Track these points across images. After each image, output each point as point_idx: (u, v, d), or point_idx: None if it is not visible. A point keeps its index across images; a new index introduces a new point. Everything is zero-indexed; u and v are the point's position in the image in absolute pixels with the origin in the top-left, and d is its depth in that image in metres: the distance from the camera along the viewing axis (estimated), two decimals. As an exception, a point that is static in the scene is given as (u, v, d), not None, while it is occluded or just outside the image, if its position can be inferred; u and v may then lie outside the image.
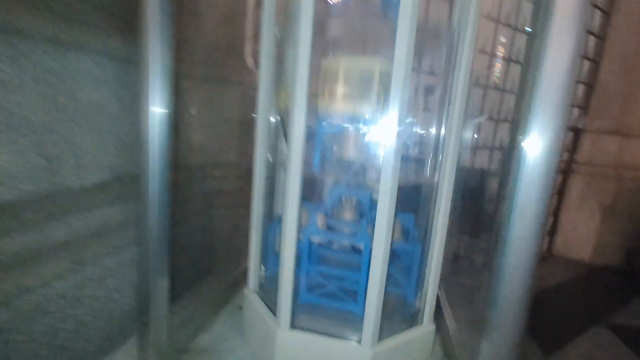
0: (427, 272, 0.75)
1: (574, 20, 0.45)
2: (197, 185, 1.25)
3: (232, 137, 1.51)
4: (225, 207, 1.40)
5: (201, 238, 1.27)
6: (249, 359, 0.88)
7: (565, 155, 2.77)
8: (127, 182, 1.01)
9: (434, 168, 0.75)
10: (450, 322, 0.93)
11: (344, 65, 0.61)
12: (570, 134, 2.74)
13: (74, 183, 0.88)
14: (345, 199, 0.76)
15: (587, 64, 2.65)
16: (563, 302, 2.21)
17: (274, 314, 0.78)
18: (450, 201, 0.72)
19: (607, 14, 2.59)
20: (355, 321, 0.73)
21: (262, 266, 0.86)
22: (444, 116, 0.69)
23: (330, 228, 0.76)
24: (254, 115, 1.14)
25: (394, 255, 0.67)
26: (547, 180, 0.51)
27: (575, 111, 2.69)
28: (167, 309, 0.77)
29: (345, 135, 0.68)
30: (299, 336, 0.76)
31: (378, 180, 0.68)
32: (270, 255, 0.86)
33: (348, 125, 0.64)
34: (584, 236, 2.75)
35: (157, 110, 0.67)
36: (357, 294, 0.75)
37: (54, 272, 0.76)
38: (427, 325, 0.80)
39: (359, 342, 0.73)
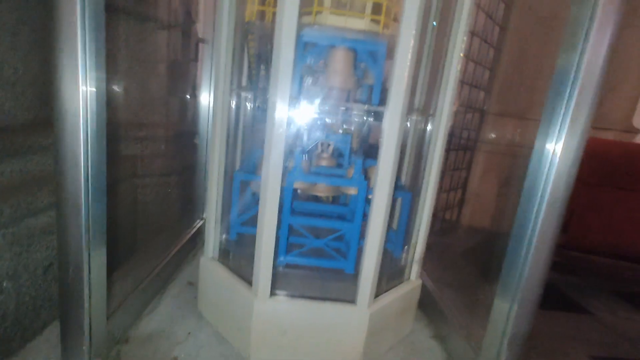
0: (416, 226, 0.72)
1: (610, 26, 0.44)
2: (121, 147, 1.00)
3: (158, 89, 1.26)
4: (157, 173, 1.16)
5: (130, 207, 1.03)
6: (212, 341, 0.72)
7: (472, 134, 3.11)
8: (14, 132, 0.74)
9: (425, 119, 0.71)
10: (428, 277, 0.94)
11: None
12: (477, 115, 3.07)
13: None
14: (323, 145, 0.66)
15: (492, 52, 2.96)
16: (470, 265, 2.51)
17: (247, 282, 0.63)
18: (443, 152, 0.69)
19: (508, 6, 2.92)
20: (344, 279, 0.64)
21: (222, 231, 0.71)
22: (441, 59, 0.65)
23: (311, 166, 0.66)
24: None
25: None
26: (570, 180, 0.50)
27: (482, 94, 3.01)
28: (105, 288, 0.57)
29: (331, 63, 0.58)
30: (282, 304, 0.63)
31: (362, 125, 0.60)
32: (233, 214, 0.72)
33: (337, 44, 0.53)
34: (485, 206, 3.15)
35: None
36: (343, 253, 0.67)
37: None
38: (415, 280, 0.77)
39: (354, 302, 0.65)
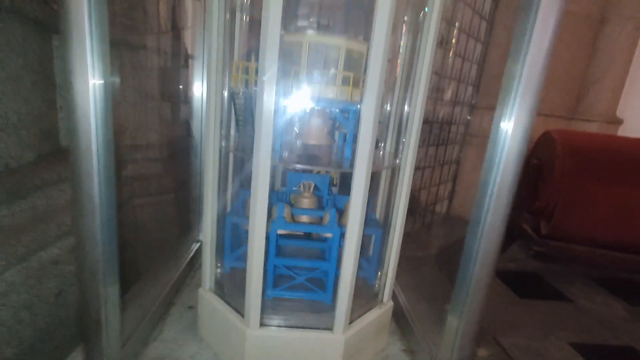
0: (387, 253, 0.79)
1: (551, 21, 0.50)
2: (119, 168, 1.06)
3: (152, 114, 1.31)
4: (151, 194, 1.23)
5: (130, 229, 1.10)
6: None
7: (462, 129, 3.17)
8: (23, 174, 0.80)
9: (394, 151, 0.78)
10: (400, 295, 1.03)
11: (307, 40, 0.56)
12: (466, 110, 3.12)
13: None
14: (305, 185, 0.73)
15: (479, 47, 3.00)
16: (459, 257, 2.62)
17: (239, 314, 0.72)
18: (410, 184, 0.76)
19: (495, 0, 2.94)
20: (323, 310, 0.73)
21: (217, 263, 0.79)
22: (407, 98, 0.70)
23: (294, 217, 0.73)
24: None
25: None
26: (520, 154, 0.57)
27: (470, 89, 3.06)
28: (119, 319, 0.64)
29: (309, 119, 0.65)
30: (270, 333, 0.73)
31: (339, 166, 0.67)
32: (227, 251, 0.79)
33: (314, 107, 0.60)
34: (474, 198, 3.25)
35: (97, 81, 0.52)
36: (323, 283, 0.75)
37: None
38: (387, 303, 0.86)
39: (331, 330, 0.74)
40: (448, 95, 2.83)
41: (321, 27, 0.58)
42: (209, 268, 0.76)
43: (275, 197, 0.73)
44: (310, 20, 0.58)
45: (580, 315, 1.96)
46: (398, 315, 1.00)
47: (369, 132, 0.54)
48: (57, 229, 0.85)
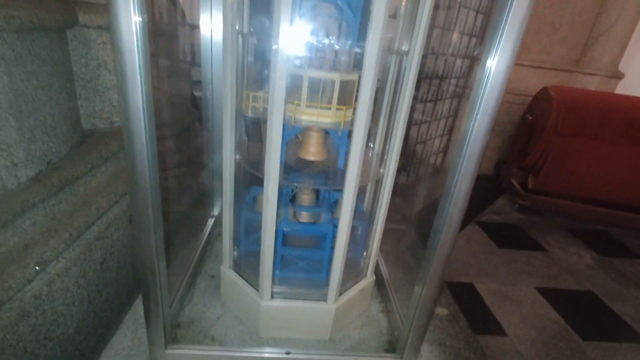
0: (372, 234, 0.96)
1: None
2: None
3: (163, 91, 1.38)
4: (167, 169, 1.36)
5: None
6: (235, 323, 1.03)
7: (461, 82, 3.15)
8: (64, 168, 0.93)
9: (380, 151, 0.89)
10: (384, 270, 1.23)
11: (308, 75, 0.65)
12: (468, 62, 3.06)
13: (11, 183, 0.79)
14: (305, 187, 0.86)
15: (487, -6, 2.86)
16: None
17: (255, 288, 0.93)
18: (395, 169, 0.88)
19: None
20: (319, 285, 0.93)
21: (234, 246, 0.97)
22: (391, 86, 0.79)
23: (296, 214, 0.89)
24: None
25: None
26: (501, 87, 0.67)
27: (473, 41, 2.97)
28: (167, 286, 0.82)
29: (307, 137, 0.76)
30: (279, 303, 0.93)
31: (333, 183, 0.80)
32: (242, 239, 0.97)
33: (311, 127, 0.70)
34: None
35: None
36: (320, 264, 0.94)
37: (23, 278, 0.74)
38: (369, 277, 1.06)
39: (325, 300, 0.94)
40: (450, 48, 2.77)
41: (319, 66, 0.66)
42: (228, 250, 0.94)
43: (280, 193, 0.86)
44: (311, 58, 0.66)
45: (551, 264, 2.19)
46: (379, 282, 1.22)
47: (357, 152, 0.66)
48: (96, 211, 1.01)
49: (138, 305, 1.07)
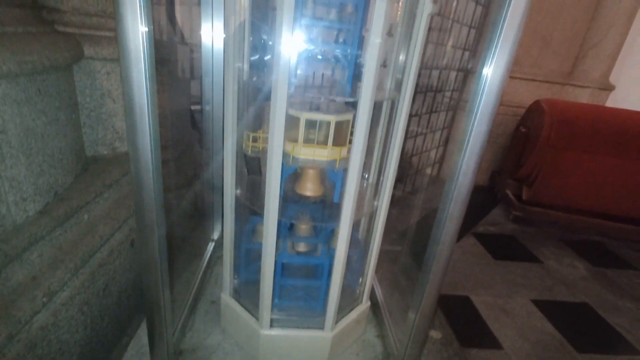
0: (367, 261, 0.99)
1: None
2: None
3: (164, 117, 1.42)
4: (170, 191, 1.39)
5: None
6: (235, 350, 1.05)
7: (455, 95, 3.21)
8: (70, 199, 0.96)
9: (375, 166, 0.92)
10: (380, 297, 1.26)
11: (305, 117, 0.69)
12: (461, 75, 3.12)
13: (20, 217, 0.82)
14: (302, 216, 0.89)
15: (479, 9, 2.93)
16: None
17: (254, 316, 0.96)
18: (389, 200, 0.91)
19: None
20: (316, 314, 0.97)
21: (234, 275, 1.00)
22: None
23: (294, 245, 0.92)
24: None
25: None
26: (497, 96, 0.69)
27: (466, 54, 3.03)
28: (171, 314, 0.85)
29: (304, 174, 0.80)
30: (277, 332, 0.97)
31: (329, 220, 0.83)
32: (241, 267, 1.00)
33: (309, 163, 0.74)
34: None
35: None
36: (317, 293, 0.97)
37: (31, 310, 0.77)
38: (365, 303, 1.09)
39: (322, 328, 0.97)
40: (444, 61, 2.82)
41: (314, 107, 0.70)
42: (229, 279, 0.98)
43: (279, 225, 0.89)
44: (308, 101, 0.71)
45: (546, 275, 2.22)
46: (375, 306, 1.25)
47: (352, 190, 0.70)
48: (100, 238, 1.04)
49: (141, 332, 1.09)
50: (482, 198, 3.14)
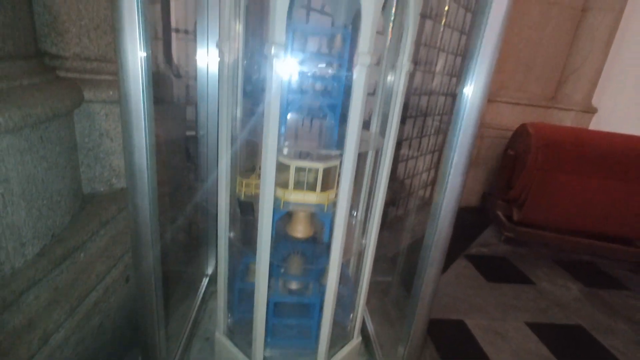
0: (357, 297, 1.01)
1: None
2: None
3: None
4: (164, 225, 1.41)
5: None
6: None
7: (445, 118, 3.30)
8: (67, 239, 0.98)
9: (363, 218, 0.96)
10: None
11: (294, 164, 0.74)
12: (450, 99, 3.23)
13: (19, 262, 0.84)
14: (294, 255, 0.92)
15: (463, 38, 3.07)
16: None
17: (247, 357, 0.96)
18: (376, 238, 0.95)
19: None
20: (308, 352, 0.97)
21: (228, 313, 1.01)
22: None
23: (285, 283, 0.95)
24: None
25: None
26: (479, 112, 0.75)
27: (454, 80, 3.15)
28: (166, 350, 0.85)
29: (295, 216, 0.84)
30: None
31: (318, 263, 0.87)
32: (235, 306, 1.02)
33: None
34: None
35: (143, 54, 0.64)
36: (309, 331, 0.99)
37: (27, 356, 0.78)
38: (356, 339, 1.11)
39: None
40: (435, 86, 2.92)
41: (303, 155, 0.75)
42: (223, 318, 0.99)
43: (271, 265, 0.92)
44: (297, 150, 0.76)
45: (540, 297, 2.24)
46: (366, 339, 1.27)
47: (339, 233, 0.74)
48: (95, 277, 1.05)
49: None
50: (473, 219, 3.18)
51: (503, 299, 2.26)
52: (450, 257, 2.59)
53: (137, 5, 0.61)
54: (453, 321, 2.00)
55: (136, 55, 0.64)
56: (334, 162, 0.77)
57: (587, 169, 2.60)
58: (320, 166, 0.75)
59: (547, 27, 3.08)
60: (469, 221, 3.16)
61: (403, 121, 2.79)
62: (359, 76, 0.62)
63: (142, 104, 0.67)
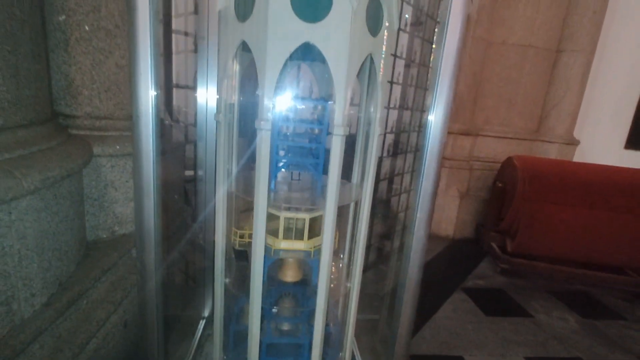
0: (345, 337, 1.05)
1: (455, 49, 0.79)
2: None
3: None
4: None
5: None
6: None
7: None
8: (72, 288, 1.04)
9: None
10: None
11: (283, 216, 0.83)
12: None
13: (28, 312, 0.90)
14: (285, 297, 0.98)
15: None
16: (435, 274, 2.90)
17: None
18: (360, 281, 1.01)
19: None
20: None
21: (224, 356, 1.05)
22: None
23: (277, 324, 1.00)
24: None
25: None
26: (443, 137, 0.86)
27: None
28: None
29: (284, 263, 0.92)
30: None
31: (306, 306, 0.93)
32: (230, 348, 1.06)
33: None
34: (449, 216, 3.53)
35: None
36: None
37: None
38: None
39: None
40: (416, 123, 3.06)
41: (292, 208, 0.85)
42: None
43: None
44: (286, 201, 0.85)
45: (538, 330, 2.25)
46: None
47: (324, 278, 0.81)
48: (96, 324, 1.10)
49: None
50: (469, 250, 3.22)
51: (502, 334, 2.26)
52: (447, 290, 2.61)
53: (150, 56, 0.74)
54: (453, 357, 2.01)
55: (148, 95, 0.76)
56: (319, 212, 0.86)
57: (573, 199, 2.69)
58: (306, 217, 0.83)
59: (525, 67, 3.30)
60: (465, 253, 3.20)
61: (395, 156, 2.92)
62: (335, 144, 0.72)
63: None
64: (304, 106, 0.83)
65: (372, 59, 0.77)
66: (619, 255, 2.66)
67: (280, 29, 0.66)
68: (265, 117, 0.70)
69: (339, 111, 0.70)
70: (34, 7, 1.02)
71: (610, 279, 2.67)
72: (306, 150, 0.86)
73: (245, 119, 0.90)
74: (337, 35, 0.66)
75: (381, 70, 0.80)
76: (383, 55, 0.78)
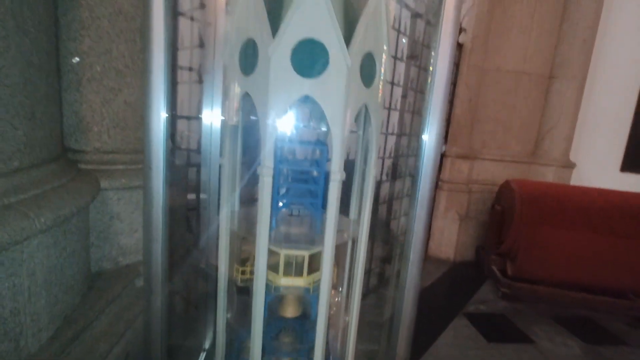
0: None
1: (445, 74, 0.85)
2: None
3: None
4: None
5: None
6: None
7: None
8: (76, 321, 1.07)
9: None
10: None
11: (283, 253, 0.87)
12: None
13: (34, 347, 0.92)
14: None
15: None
16: (437, 298, 2.89)
17: None
18: (358, 314, 1.03)
19: (457, 64, 3.32)
20: None
21: None
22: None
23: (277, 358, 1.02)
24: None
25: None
26: (436, 155, 0.90)
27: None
28: None
29: (285, 298, 0.95)
30: None
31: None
32: None
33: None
34: (448, 239, 3.55)
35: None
36: None
37: None
38: None
39: None
40: (414, 147, 3.12)
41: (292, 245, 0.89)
42: None
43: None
44: (285, 239, 0.90)
45: (541, 357, 2.22)
46: None
47: (323, 313, 0.84)
48: (99, 356, 1.12)
49: None
50: (470, 273, 3.22)
51: (504, 361, 2.24)
52: (448, 315, 2.60)
53: (164, 79, 0.79)
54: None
55: (160, 125, 0.82)
56: (318, 248, 0.89)
57: (571, 222, 2.72)
58: (305, 253, 0.87)
59: (519, 93, 3.39)
60: (466, 276, 3.19)
61: (394, 179, 2.96)
62: (332, 188, 0.76)
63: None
64: (303, 147, 0.88)
65: (367, 107, 0.83)
66: (621, 279, 2.66)
67: (281, 84, 0.71)
68: (267, 164, 0.75)
69: (336, 159, 0.75)
70: (50, 53, 1.09)
71: (613, 304, 2.66)
72: (305, 190, 0.91)
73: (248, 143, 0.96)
74: (334, 89, 0.72)
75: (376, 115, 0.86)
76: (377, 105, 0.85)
